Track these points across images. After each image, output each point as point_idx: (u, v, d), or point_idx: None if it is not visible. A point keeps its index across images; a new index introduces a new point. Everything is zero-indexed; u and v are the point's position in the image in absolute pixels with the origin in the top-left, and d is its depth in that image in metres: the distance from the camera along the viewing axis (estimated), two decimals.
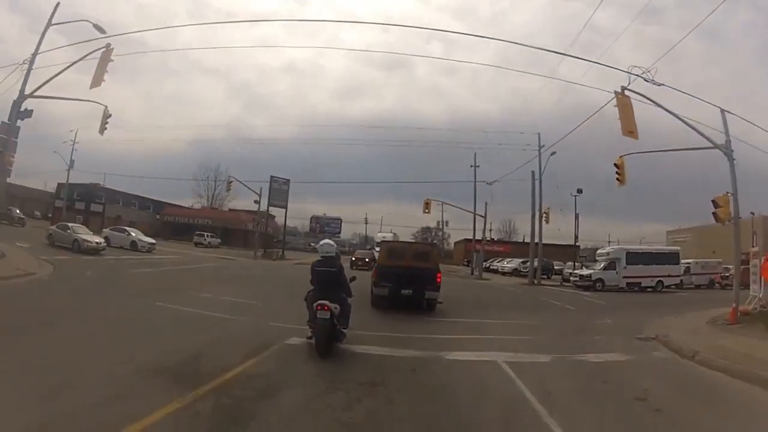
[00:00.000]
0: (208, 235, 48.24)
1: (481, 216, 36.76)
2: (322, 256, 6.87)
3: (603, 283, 26.15)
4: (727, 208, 13.33)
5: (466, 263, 52.77)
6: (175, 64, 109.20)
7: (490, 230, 34.01)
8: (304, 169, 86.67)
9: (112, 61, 15.91)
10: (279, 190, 43.33)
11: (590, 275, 26.54)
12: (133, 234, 27.21)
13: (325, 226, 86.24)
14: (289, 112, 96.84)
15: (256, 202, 38.02)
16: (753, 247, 17.95)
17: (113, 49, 15.97)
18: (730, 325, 11.09)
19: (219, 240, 49.92)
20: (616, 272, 26.59)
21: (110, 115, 18.58)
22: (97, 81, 15.70)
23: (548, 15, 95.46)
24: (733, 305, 11.93)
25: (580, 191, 36.00)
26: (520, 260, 41.11)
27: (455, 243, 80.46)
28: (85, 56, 17.19)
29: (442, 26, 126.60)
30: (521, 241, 65.69)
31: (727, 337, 9.42)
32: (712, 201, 13.64)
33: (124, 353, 5.48)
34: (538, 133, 32.40)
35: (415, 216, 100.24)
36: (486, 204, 36.77)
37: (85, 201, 50.11)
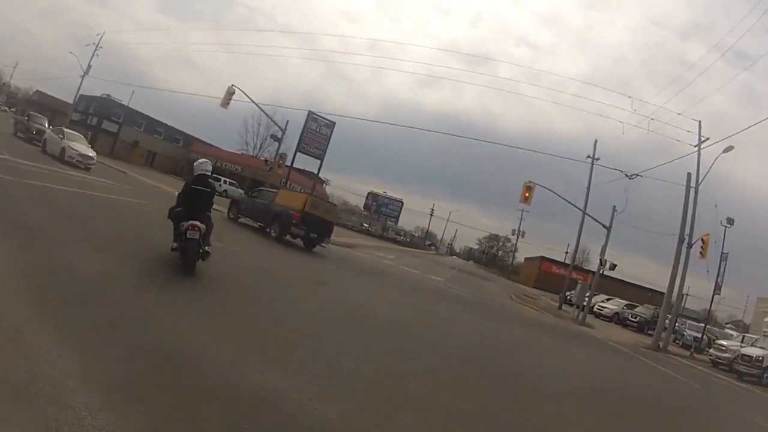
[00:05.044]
0: (225, 181, 39.60)
1: (605, 226, 22.89)
2: (197, 174, 6.76)
3: None
4: None
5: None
6: (262, 23, 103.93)
7: (604, 254, 20.52)
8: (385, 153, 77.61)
9: None
10: (317, 134, 30.07)
11: (762, 359, 15.19)
12: (66, 139, 17.91)
13: (382, 205, 76.64)
14: (368, 88, 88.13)
15: (273, 137, 27.76)
16: None
17: None
18: None
19: (241, 191, 41.16)
20: None
21: None
22: None
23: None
24: None
25: (731, 222, 23.34)
26: (624, 303, 30.16)
27: (526, 258, 67.96)
28: None
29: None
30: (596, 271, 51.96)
31: None
32: None
33: None
34: (699, 121, 20.71)
35: (479, 221, 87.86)
36: (614, 210, 22.99)
37: (98, 116, 42.51)
